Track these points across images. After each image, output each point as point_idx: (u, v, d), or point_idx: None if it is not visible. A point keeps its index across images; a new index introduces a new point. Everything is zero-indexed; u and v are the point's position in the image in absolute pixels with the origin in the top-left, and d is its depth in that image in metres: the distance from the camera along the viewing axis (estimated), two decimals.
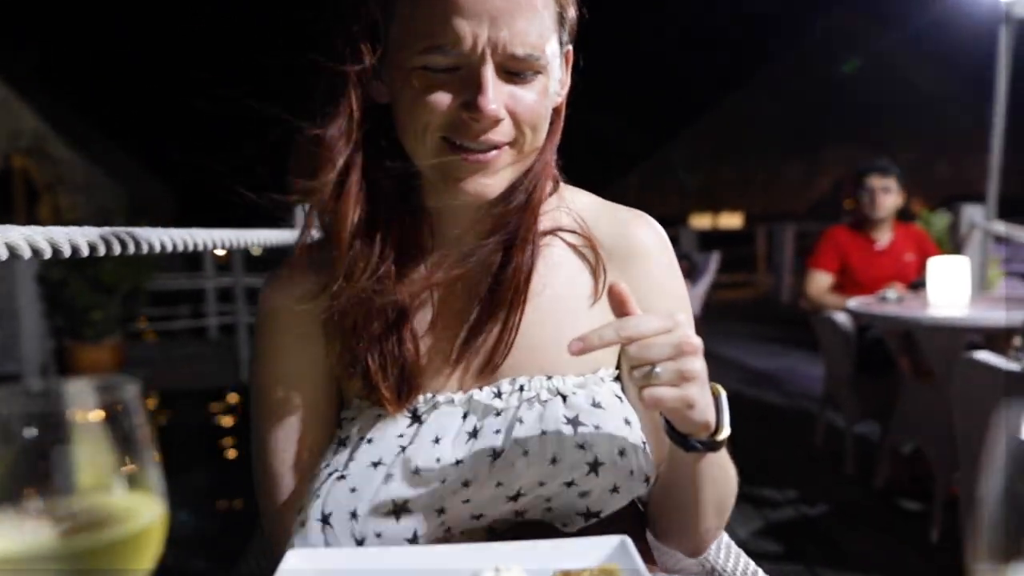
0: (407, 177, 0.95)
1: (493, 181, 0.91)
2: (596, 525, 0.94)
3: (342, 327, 0.96)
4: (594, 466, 0.90)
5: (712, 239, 15.37)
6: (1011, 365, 2.68)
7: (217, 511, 3.68)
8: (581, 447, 0.90)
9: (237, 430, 5.64)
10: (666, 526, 1.01)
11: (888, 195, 4.23)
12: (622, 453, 0.92)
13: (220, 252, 9.58)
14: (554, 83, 0.93)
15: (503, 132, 0.89)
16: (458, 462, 0.90)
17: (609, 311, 0.99)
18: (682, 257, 6.57)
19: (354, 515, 0.88)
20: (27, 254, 0.97)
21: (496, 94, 0.86)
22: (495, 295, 0.96)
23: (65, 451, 0.47)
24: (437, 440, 0.93)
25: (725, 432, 0.85)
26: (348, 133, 0.92)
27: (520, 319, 0.96)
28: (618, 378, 1.01)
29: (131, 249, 1.18)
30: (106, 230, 1.13)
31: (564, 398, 0.94)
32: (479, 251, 0.96)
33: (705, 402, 0.82)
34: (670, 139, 26.35)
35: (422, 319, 0.98)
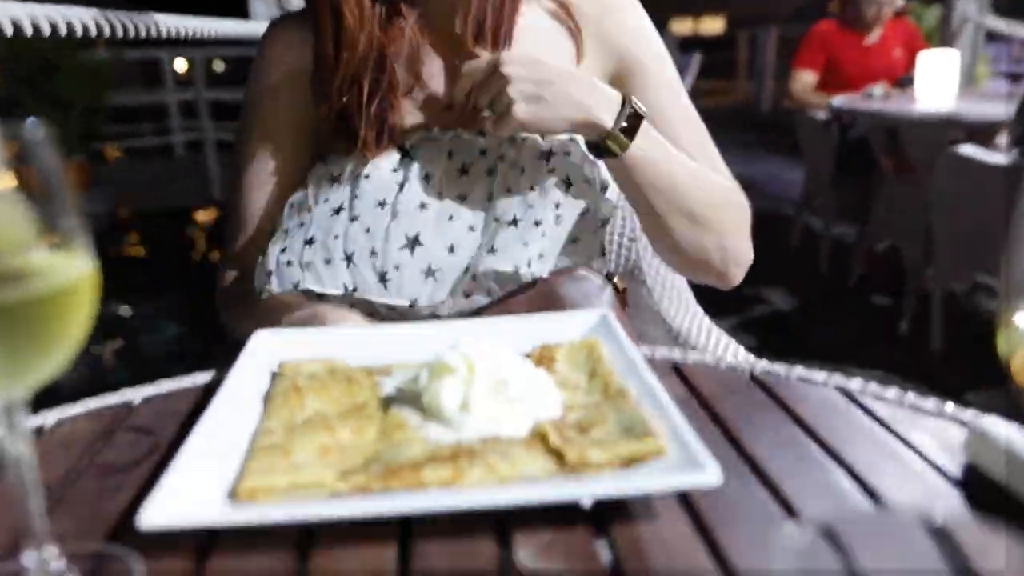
0: None
1: None
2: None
3: (328, 77, 0.97)
4: (567, 184, 0.96)
5: (692, 45, 14.78)
6: (993, 158, 2.64)
7: (193, 329, 3.69)
8: (552, 172, 0.96)
9: (209, 249, 5.57)
10: (657, 247, 1.04)
11: (894, 6, 4.02)
12: (587, 182, 0.97)
13: (181, 68, 9.15)
14: None
15: None
16: (460, 197, 0.96)
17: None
18: None
19: (373, 252, 0.92)
20: None
21: None
22: (480, 38, 0.98)
23: None
24: (428, 177, 0.96)
25: (624, 141, 0.90)
26: None
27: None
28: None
29: (138, 31, 1.09)
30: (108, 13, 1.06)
31: (543, 135, 0.96)
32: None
33: (537, 111, 0.88)
34: None
35: (407, 65, 0.99)
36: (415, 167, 0.96)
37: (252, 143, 1.04)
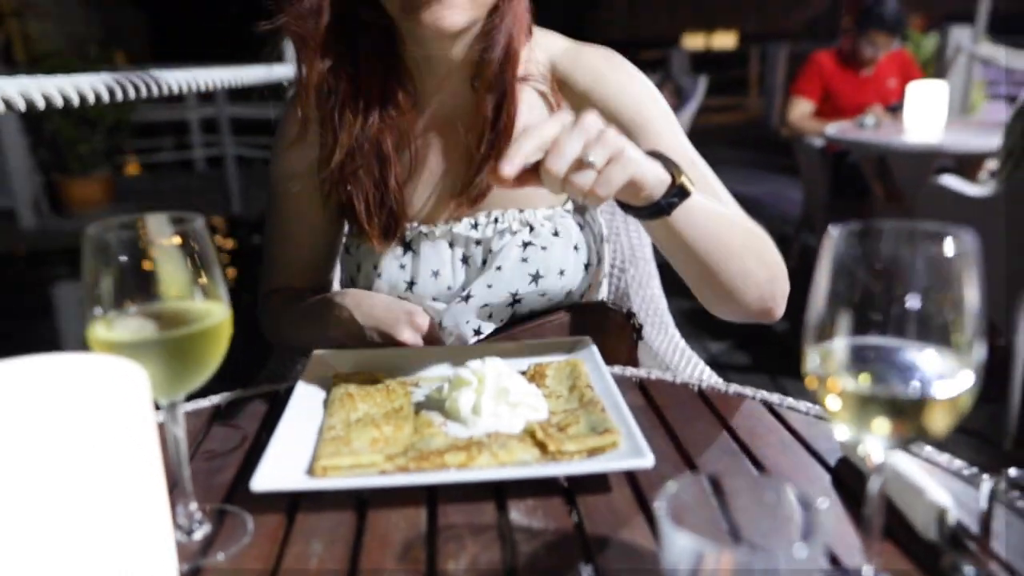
0: (385, 32, 1.04)
1: (449, 13, 0.94)
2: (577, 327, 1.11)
3: (332, 175, 1.09)
4: (535, 278, 1.09)
5: (704, 61, 15.04)
6: (971, 189, 2.83)
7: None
8: (524, 260, 1.08)
9: (234, 260, 5.81)
10: (707, 296, 1.00)
11: (890, 49, 4.24)
12: (562, 273, 1.09)
13: None
14: None
15: None
16: (462, 287, 1.11)
17: None
18: (669, 81, 6.41)
19: None
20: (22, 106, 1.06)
21: None
22: (481, 142, 1.06)
23: (153, 269, 0.62)
24: (436, 274, 1.11)
25: (688, 178, 0.86)
26: None
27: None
28: (580, 209, 1.15)
29: (151, 91, 1.27)
30: (119, 75, 1.22)
31: (531, 228, 1.09)
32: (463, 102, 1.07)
33: (646, 164, 0.81)
34: None
35: (406, 159, 1.11)
36: (422, 266, 1.10)
37: (278, 216, 1.18)
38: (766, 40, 14.71)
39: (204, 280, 0.64)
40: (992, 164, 3.66)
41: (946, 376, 0.49)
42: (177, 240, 0.63)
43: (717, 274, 0.94)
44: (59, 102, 1.15)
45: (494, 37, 1.01)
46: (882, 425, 0.50)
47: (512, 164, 0.75)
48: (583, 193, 0.78)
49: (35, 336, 4.70)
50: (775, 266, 0.99)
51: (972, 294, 0.49)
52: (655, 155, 0.85)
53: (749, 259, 0.96)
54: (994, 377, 2.87)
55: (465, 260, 1.11)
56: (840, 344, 0.51)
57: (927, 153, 3.42)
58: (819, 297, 0.52)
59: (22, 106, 1.11)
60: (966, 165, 3.77)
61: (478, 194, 1.09)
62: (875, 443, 0.51)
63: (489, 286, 1.09)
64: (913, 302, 0.50)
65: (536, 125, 0.77)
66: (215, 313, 0.64)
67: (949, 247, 0.50)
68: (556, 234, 1.10)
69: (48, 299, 5.67)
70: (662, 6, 24.43)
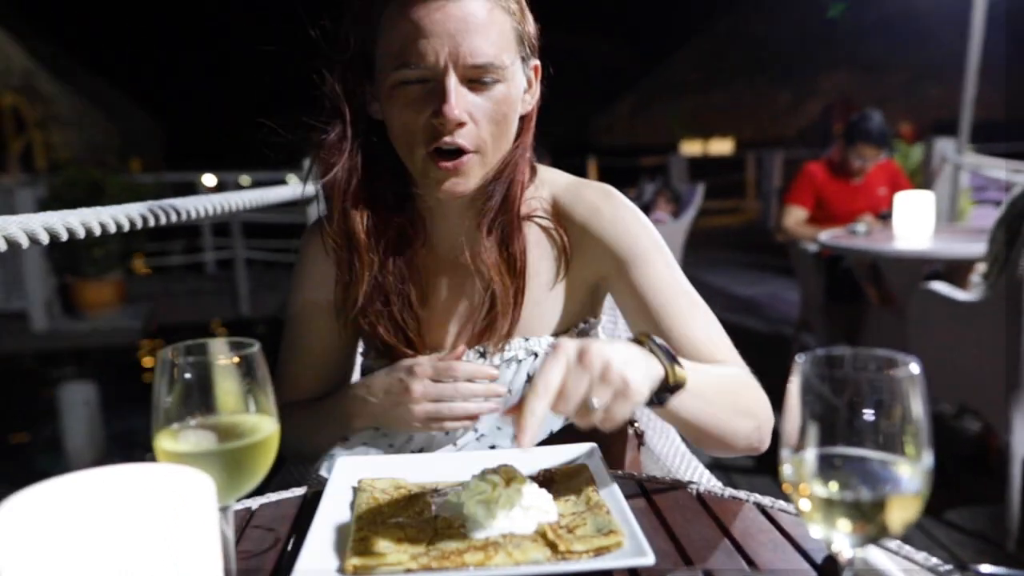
0: (403, 185, 1.16)
1: (465, 181, 1.08)
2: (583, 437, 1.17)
3: (349, 310, 1.18)
4: None
5: (702, 166, 15.51)
6: (960, 295, 2.94)
7: None
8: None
9: None
10: (701, 446, 1.09)
11: (878, 160, 4.47)
12: None
13: (210, 184, 9.62)
14: (516, 90, 1.08)
15: (469, 136, 1.04)
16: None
17: (572, 286, 1.19)
18: (667, 189, 6.63)
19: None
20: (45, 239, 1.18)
21: (459, 100, 1.02)
22: (493, 280, 1.14)
23: (213, 386, 0.71)
24: None
25: (680, 371, 0.91)
26: (342, 141, 1.11)
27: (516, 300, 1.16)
28: (581, 333, 1.23)
29: (172, 219, 1.39)
30: (143, 205, 1.34)
31: (536, 356, 1.18)
32: (469, 245, 1.14)
33: (642, 375, 0.86)
34: (658, 65, 26.10)
35: (418, 293, 1.19)
36: None
37: (295, 333, 1.25)
38: (761, 147, 15.23)
39: (257, 396, 0.73)
40: (982, 268, 3.78)
41: (899, 482, 0.58)
42: (236, 361, 0.72)
43: (708, 436, 1.03)
44: (61, 234, 1.25)
45: (497, 186, 1.12)
46: (845, 525, 0.58)
47: (528, 436, 0.79)
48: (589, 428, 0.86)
49: (43, 435, 4.74)
50: (761, 413, 1.08)
51: (919, 410, 0.58)
52: (654, 343, 0.91)
53: (737, 419, 1.04)
54: (994, 477, 2.90)
55: None
56: (810, 454, 0.60)
57: (916, 259, 3.55)
58: (791, 414, 0.61)
59: (26, 241, 1.20)
60: (956, 269, 3.91)
61: (487, 327, 1.16)
62: (842, 540, 0.59)
63: (499, 428, 1.18)
64: (870, 418, 0.59)
65: (542, 372, 0.80)
66: (266, 426, 0.73)
67: (898, 371, 0.59)
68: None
69: (56, 399, 5.73)
70: (661, 114, 25.34)
